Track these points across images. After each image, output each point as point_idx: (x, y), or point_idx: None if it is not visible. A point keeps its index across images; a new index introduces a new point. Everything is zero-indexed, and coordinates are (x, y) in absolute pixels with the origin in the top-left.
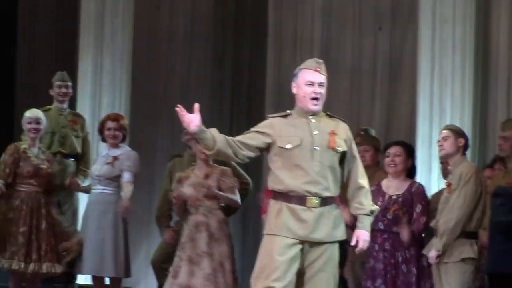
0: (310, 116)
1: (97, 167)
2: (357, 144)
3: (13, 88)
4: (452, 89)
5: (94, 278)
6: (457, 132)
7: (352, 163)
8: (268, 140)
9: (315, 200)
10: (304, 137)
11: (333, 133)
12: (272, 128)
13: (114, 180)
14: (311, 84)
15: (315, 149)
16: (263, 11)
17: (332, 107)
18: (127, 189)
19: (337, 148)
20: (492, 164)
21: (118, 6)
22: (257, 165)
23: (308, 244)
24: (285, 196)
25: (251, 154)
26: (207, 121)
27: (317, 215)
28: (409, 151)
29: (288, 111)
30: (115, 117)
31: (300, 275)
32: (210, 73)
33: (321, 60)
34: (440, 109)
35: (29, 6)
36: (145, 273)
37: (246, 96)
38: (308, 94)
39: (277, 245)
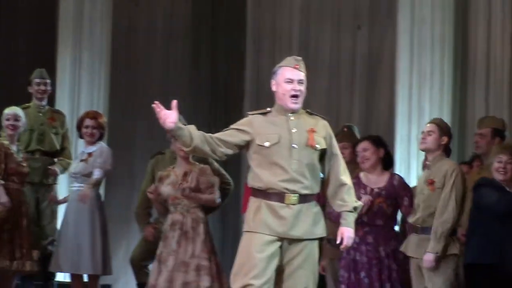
0: (289, 114)
1: (74, 165)
2: (337, 141)
3: None
4: (430, 87)
5: (73, 275)
6: (442, 130)
7: (333, 160)
8: (247, 137)
9: (293, 197)
10: (283, 134)
11: (312, 131)
12: (251, 125)
13: (90, 177)
14: (291, 81)
15: (293, 147)
16: (242, 9)
17: (310, 105)
18: (91, 180)
19: (316, 145)
20: (470, 162)
21: (97, 3)
22: (236, 162)
23: (287, 241)
24: (264, 193)
25: (230, 152)
26: (185, 119)
27: (296, 212)
28: (377, 143)
29: (268, 109)
30: (94, 115)
31: (280, 272)
32: (189, 70)
33: (300, 58)
34: (419, 108)
35: (8, 2)
36: (124, 271)
37: (225, 94)
38: (287, 92)
39: (256, 242)
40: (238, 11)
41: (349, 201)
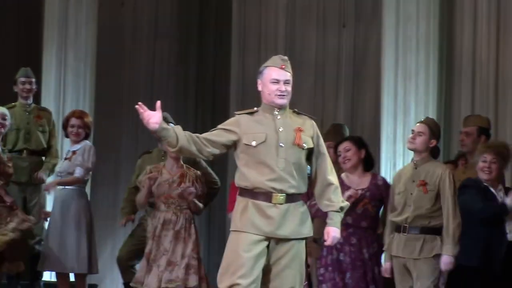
0: (276, 113)
1: (59, 164)
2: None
3: None
4: (416, 85)
5: (58, 274)
6: (433, 133)
7: (320, 160)
8: (234, 137)
9: (280, 197)
10: (270, 133)
11: (299, 130)
12: (238, 125)
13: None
14: (277, 82)
15: (280, 145)
16: (227, 8)
17: (296, 104)
18: (72, 177)
19: (303, 144)
20: (456, 160)
21: (82, 2)
22: (222, 161)
23: (274, 241)
24: (251, 192)
25: (217, 151)
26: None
27: (283, 212)
28: (358, 143)
29: (255, 108)
30: (80, 115)
31: (267, 271)
32: (174, 70)
33: (286, 57)
34: (405, 106)
35: None
36: (110, 269)
37: (211, 94)
38: (273, 92)
39: (243, 241)
40: (224, 10)
41: (335, 201)
